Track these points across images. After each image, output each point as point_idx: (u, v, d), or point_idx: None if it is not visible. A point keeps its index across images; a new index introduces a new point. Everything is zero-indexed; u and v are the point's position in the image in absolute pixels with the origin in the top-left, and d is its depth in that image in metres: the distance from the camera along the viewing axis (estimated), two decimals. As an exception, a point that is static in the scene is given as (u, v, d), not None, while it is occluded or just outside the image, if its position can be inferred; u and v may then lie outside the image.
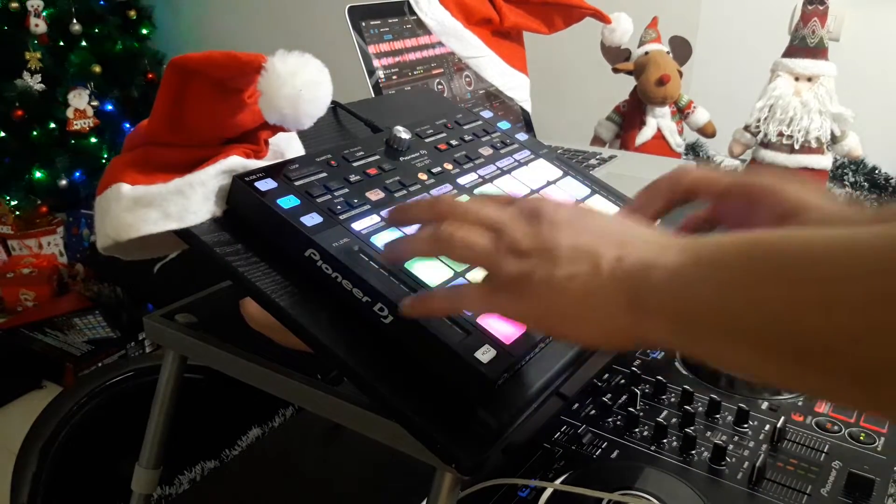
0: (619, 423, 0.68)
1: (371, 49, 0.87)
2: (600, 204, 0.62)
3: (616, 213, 0.54)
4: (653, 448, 0.64)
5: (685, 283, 0.34)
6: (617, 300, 0.36)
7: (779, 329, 0.31)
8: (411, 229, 0.49)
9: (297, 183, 0.50)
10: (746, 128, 1.21)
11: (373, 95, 0.85)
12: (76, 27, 2.48)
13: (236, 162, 0.49)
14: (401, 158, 0.57)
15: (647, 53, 1.28)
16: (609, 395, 0.71)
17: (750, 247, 0.33)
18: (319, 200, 0.49)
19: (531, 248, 0.38)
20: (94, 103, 2.50)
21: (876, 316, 0.28)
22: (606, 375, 0.75)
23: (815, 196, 0.49)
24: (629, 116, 1.33)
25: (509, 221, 0.40)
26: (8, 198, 2.49)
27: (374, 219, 0.49)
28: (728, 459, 0.62)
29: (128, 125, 2.59)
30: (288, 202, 0.48)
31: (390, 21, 0.91)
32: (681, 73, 1.27)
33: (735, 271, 0.33)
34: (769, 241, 0.33)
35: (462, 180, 0.58)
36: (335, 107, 0.65)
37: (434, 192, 0.55)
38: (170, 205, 0.46)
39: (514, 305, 0.39)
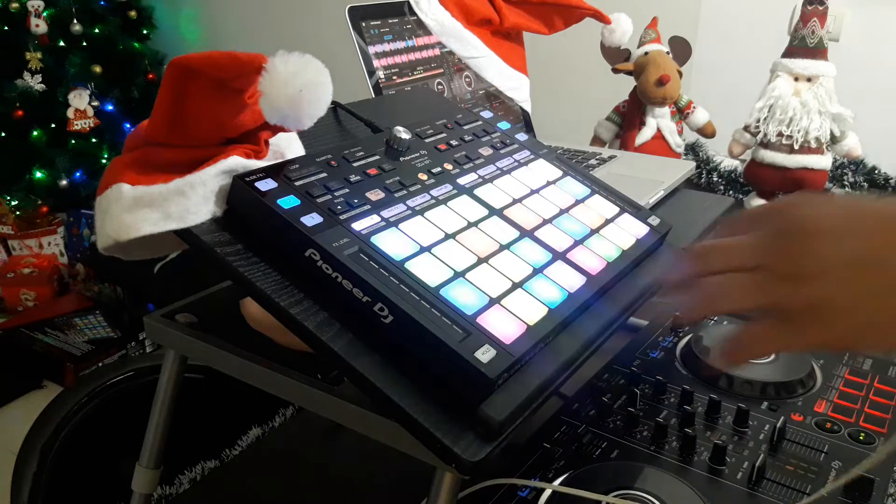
0: (619, 423, 0.68)
1: (371, 49, 0.87)
2: (600, 205, 0.62)
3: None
4: (653, 448, 0.64)
5: None
6: None
7: None
8: (420, 229, 0.48)
9: (297, 183, 0.50)
10: (746, 128, 1.21)
11: (373, 95, 0.85)
12: (76, 27, 2.48)
13: (237, 162, 0.49)
14: (401, 158, 0.57)
15: (646, 53, 1.28)
16: (609, 395, 0.71)
17: None
18: (320, 200, 0.49)
19: (809, 269, 0.35)
20: (95, 103, 2.50)
21: None
22: (606, 375, 0.75)
23: None
24: (629, 117, 1.33)
25: (765, 248, 0.36)
26: (8, 198, 2.49)
27: (374, 219, 0.49)
28: (728, 459, 0.62)
29: (128, 125, 2.59)
30: (288, 202, 0.48)
31: (390, 21, 0.91)
32: (680, 74, 1.27)
33: None
34: None
35: (462, 180, 0.58)
36: (335, 107, 0.65)
37: (434, 192, 0.55)
38: (170, 205, 0.46)
39: (816, 336, 0.36)
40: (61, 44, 2.51)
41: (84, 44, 2.53)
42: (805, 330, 0.36)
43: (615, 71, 1.32)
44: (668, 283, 0.43)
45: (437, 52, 0.97)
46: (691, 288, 0.39)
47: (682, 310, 0.41)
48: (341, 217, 0.48)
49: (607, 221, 0.60)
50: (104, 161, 2.52)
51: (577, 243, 0.55)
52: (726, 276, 0.37)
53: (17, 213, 2.53)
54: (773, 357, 0.75)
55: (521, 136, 0.68)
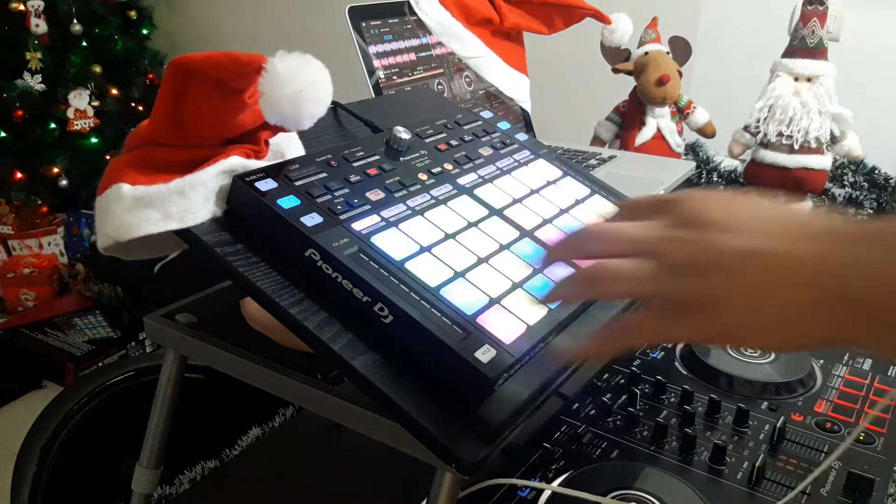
0: (619, 422, 0.68)
1: (371, 49, 0.87)
2: (600, 205, 0.62)
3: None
4: (653, 448, 0.64)
5: (874, 274, 0.31)
6: (820, 308, 0.33)
7: None
8: (420, 229, 0.48)
9: (297, 183, 0.50)
10: (746, 128, 1.21)
11: (373, 95, 0.86)
12: (76, 27, 2.48)
13: (237, 162, 0.50)
14: (401, 158, 0.57)
15: (646, 54, 1.28)
16: (609, 395, 0.71)
17: None
18: (320, 200, 0.49)
19: (694, 262, 0.35)
20: (95, 103, 2.50)
21: None
22: (606, 375, 0.75)
23: None
24: (629, 117, 1.33)
25: (656, 237, 0.36)
26: (8, 198, 2.49)
27: (374, 219, 0.49)
28: (728, 459, 0.62)
29: (128, 125, 2.59)
30: (288, 202, 0.48)
31: (390, 21, 0.91)
32: (680, 74, 1.27)
33: None
34: None
35: (462, 180, 0.58)
36: (335, 107, 0.65)
37: (434, 192, 0.55)
38: (170, 205, 0.46)
39: (698, 327, 0.35)
40: (61, 44, 2.51)
41: (84, 44, 2.53)
42: (687, 321, 0.35)
43: (615, 71, 1.32)
44: (551, 256, 0.42)
45: (437, 51, 0.97)
46: (576, 268, 0.39)
47: (562, 288, 0.40)
48: (341, 217, 0.48)
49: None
50: (104, 161, 2.52)
51: (577, 243, 0.55)
52: (616, 261, 0.37)
53: (18, 213, 2.53)
54: (772, 357, 0.75)
55: (521, 136, 0.68)
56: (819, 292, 0.33)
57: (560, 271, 0.50)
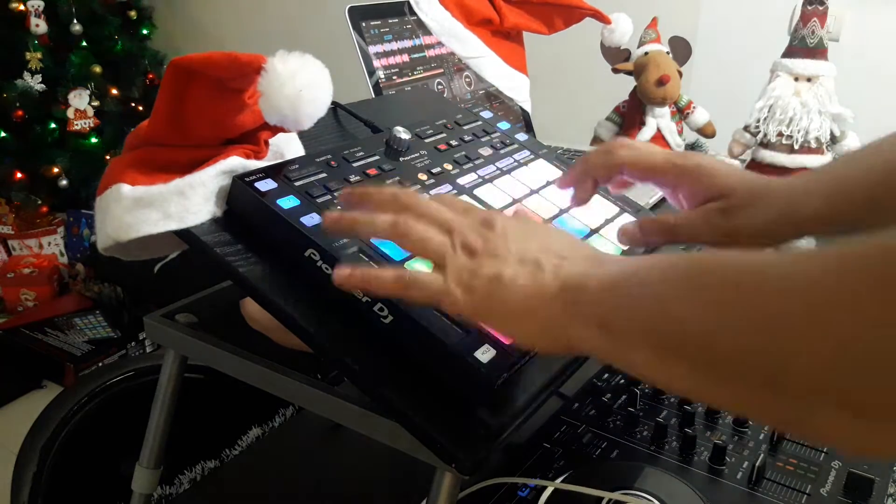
0: (618, 422, 0.68)
1: (371, 49, 0.87)
2: (600, 204, 0.62)
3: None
4: (653, 448, 0.64)
5: (615, 294, 0.36)
6: (554, 305, 0.38)
7: (697, 342, 0.32)
8: None
9: (297, 183, 0.50)
10: (746, 128, 1.21)
11: (373, 95, 0.86)
12: (76, 27, 2.48)
13: (236, 162, 0.50)
14: (401, 159, 0.57)
15: (646, 54, 1.27)
16: (609, 395, 0.71)
17: (687, 265, 0.35)
18: (319, 201, 0.49)
19: (482, 249, 0.40)
20: (95, 103, 2.50)
21: (781, 336, 0.29)
22: (606, 375, 0.75)
23: (739, 178, 0.53)
24: (629, 117, 1.32)
25: (464, 225, 0.41)
26: (8, 198, 2.49)
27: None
28: (728, 459, 0.62)
29: (128, 125, 2.59)
30: (288, 202, 0.48)
31: (390, 21, 0.91)
32: (680, 74, 1.27)
33: (661, 286, 0.35)
34: (707, 261, 0.35)
35: (462, 180, 0.58)
36: (335, 107, 0.65)
37: (434, 192, 0.55)
38: (170, 205, 0.47)
39: (461, 299, 0.40)
40: (61, 44, 2.50)
41: (84, 44, 2.53)
42: (457, 292, 0.40)
43: (615, 71, 1.32)
44: (360, 196, 0.45)
45: (437, 51, 0.97)
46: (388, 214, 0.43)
47: (358, 219, 0.43)
48: (341, 217, 0.48)
49: (607, 221, 0.60)
50: (104, 161, 2.52)
51: (576, 243, 0.55)
52: (424, 226, 0.41)
53: (18, 213, 2.53)
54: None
55: (521, 136, 0.68)
56: (554, 290, 0.38)
57: None
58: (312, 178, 0.51)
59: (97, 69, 2.51)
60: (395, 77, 0.90)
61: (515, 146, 0.66)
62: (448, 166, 0.59)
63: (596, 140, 1.37)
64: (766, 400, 0.30)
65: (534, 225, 0.44)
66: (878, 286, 0.26)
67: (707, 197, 0.53)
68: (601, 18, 1.06)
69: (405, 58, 0.92)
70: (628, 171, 0.56)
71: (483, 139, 0.65)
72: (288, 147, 0.55)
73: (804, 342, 0.28)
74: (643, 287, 0.36)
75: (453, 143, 0.62)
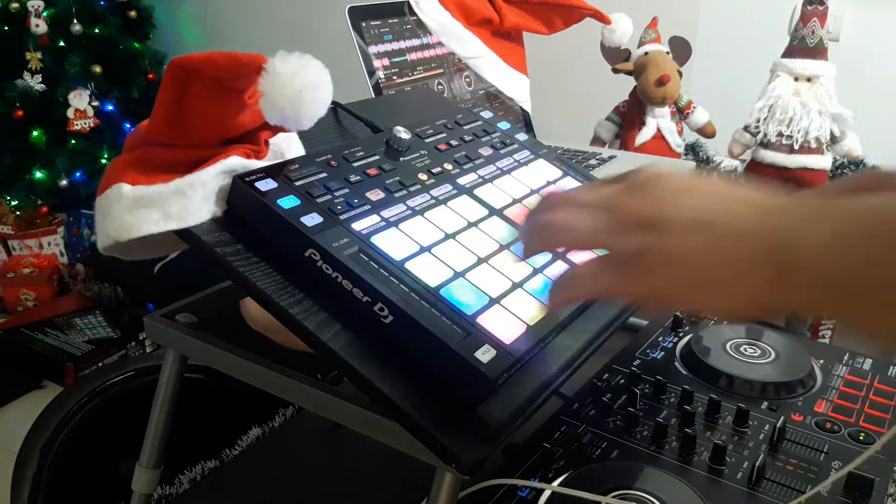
0: (618, 423, 0.68)
1: (371, 49, 0.87)
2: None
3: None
4: (653, 448, 0.64)
5: (838, 254, 0.33)
6: (758, 269, 0.34)
7: None
8: (420, 229, 0.49)
9: (297, 183, 0.50)
10: (746, 128, 1.21)
11: (373, 95, 0.86)
12: (76, 27, 2.48)
13: (236, 162, 0.50)
14: (401, 159, 0.57)
15: (646, 54, 1.28)
16: (609, 395, 0.71)
17: None
18: (320, 200, 0.49)
19: (645, 221, 0.36)
20: (95, 103, 2.50)
21: None
22: (606, 375, 0.75)
23: None
24: (629, 117, 1.33)
25: (617, 198, 0.38)
26: (8, 198, 2.49)
27: (374, 219, 0.49)
28: (728, 459, 0.62)
29: (128, 125, 2.59)
30: (288, 202, 0.48)
31: (390, 21, 0.91)
32: (680, 74, 1.27)
33: (887, 227, 0.32)
34: None
35: (462, 180, 0.58)
36: (335, 107, 0.65)
37: (434, 192, 0.55)
38: (170, 205, 0.47)
39: (638, 283, 0.37)
40: (61, 44, 2.51)
41: (84, 44, 2.53)
42: (629, 277, 0.37)
43: (615, 71, 1.32)
44: (525, 238, 0.43)
45: (437, 51, 0.97)
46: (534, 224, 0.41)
47: (521, 240, 0.42)
48: (341, 217, 0.48)
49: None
50: (104, 161, 2.52)
51: (577, 243, 0.55)
52: (568, 212, 0.39)
53: (17, 213, 2.53)
54: (773, 357, 0.75)
55: (521, 136, 0.68)
56: (753, 255, 0.34)
57: (560, 269, 0.50)
58: (313, 178, 0.51)
59: (97, 69, 2.51)
60: (395, 77, 0.90)
61: (515, 146, 0.66)
62: (448, 166, 0.59)
63: (596, 140, 1.37)
64: None
65: (686, 175, 0.39)
66: None
67: None
68: (601, 18, 1.06)
69: (405, 58, 0.92)
70: None
71: (483, 139, 0.65)
72: (288, 147, 0.55)
73: None
74: (871, 239, 0.32)
75: (453, 142, 0.62)
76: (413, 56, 0.93)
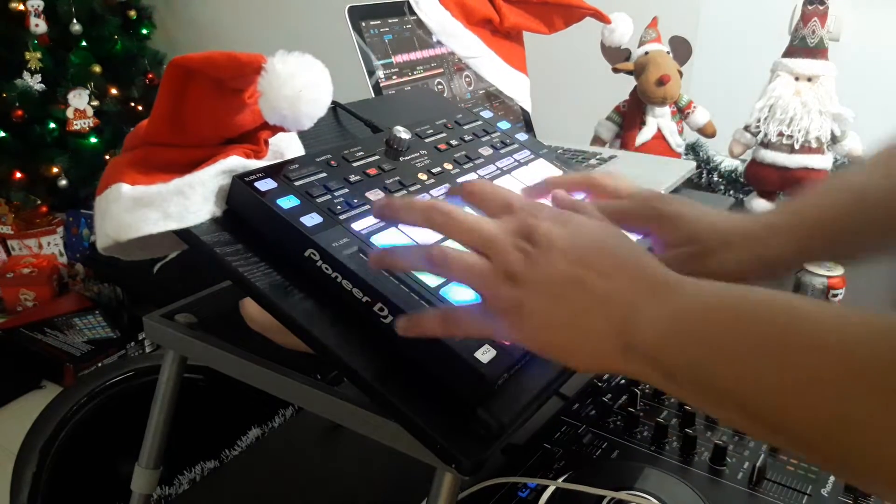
0: (619, 423, 0.68)
1: (371, 49, 0.87)
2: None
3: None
4: (653, 448, 0.64)
5: (668, 342, 0.36)
6: (608, 340, 0.37)
7: (756, 401, 0.32)
8: (420, 229, 0.49)
9: (297, 183, 0.50)
10: (746, 128, 1.21)
11: (373, 95, 0.85)
12: (76, 27, 2.48)
13: (236, 162, 0.49)
14: (401, 158, 0.57)
15: (646, 53, 1.28)
16: (609, 395, 0.71)
17: (735, 315, 0.34)
18: (319, 200, 0.49)
19: (525, 277, 0.39)
20: (95, 103, 2.50)
21: (847, 407, 0.28)
22: (606, 375, 0.75)
23: (709, 224, 0.53)
24: (629, 116, 1.32)
25: (503, 243, 0.40)
26: (8, 198, 2.49)
27: (374, 219, 0.49)
28: (728, 460, 0.62)
29: (128, 125, 2.59)
30: (288, 202, 0.48)
31: (390, 21, 0.91)
32: (681, 73, 1.27)
33: (717, 340, 0.34)
34: (762, 316, 0.34)
35: (462, 180, 0.58)
36: (335, 107, 0.65)
37: (434, 192, 0.55)
38: (170, 205, 0.46)
39: (508, 332, 0.40)
40: (61, 44, 2.50)
41: (84, 44, 2.53)
42: (504, 325, 0.40)
43: (615, 71, 1.32)
44: (392, 210, 0.44)
45: (437, 51, 0.97)
46: (419, 245, 0.43)
47: (396, 254, 0.43)
48: (341, 217, 0.48)
49: None
50: (104, 161, 2.52)
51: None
52: (460, 253, 0.41)
53: (17, 213, 2.53)
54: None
55: (521, 136, 0.68)
56: (604, 325, 0.37)
57: None
58: (312, 178, 0.51)
59: (97, 69, 2.51)
60: (395, 77, 0.90)
61: (515, 146, 0.66)
62: (448, 166, 0.58)
63: (596, 140, 1.37)
64: (834, 466, 0.31)
65: (581, 227, 0.41)
66: None
67: (678, 243, 0.53)
68: (601, 18, 1.06)
69: (405, 58, 0.92)
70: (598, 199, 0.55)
71: (483, 139, 0.65)
72: (288, 147, 0.55)
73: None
74: (698, 337, 0.35)
75: (453, 142, 0.62)
76: (413, 56, 0.93)
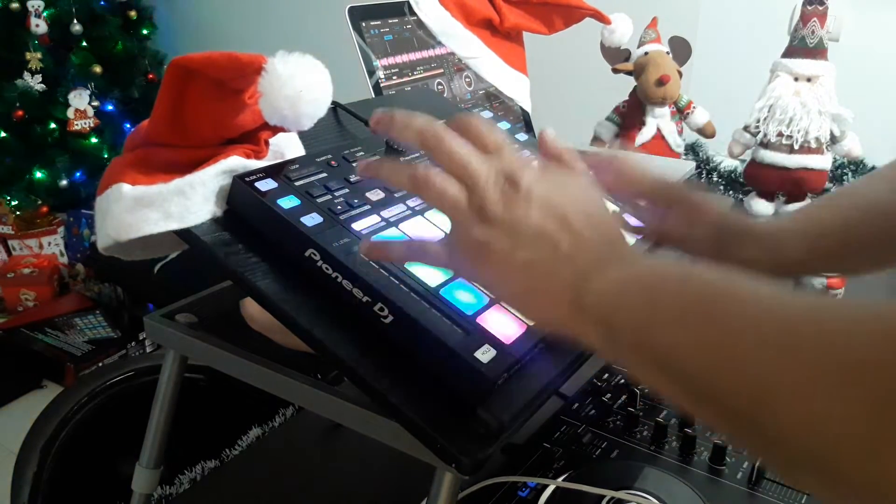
0: (618, 422, 0.68)
1: (371, 49, 0.87)
2: None
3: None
4: (652, 448, 0.65)
5: (617, 302, 0.36)
6: (562, 295, 0.38)
7: (686, 367, 0.32)
8: (420, 229, 0.49)
9: (297, 183, 0.50)
10: (746, 128, 1.21)
11: (373, 95, 0.85)
12: (77, 27, 2.48)
13: (237, 162, 0.50)
14: (401, 159, 0.57)
15: (646, 54, 1.28)
16: (609, 395, 0.71)
17: (681, 285, 0.35)
18: (320, 201, 0.49)
19: (499, 218, 0.39)
20: (95, 103, 2.50)
21: (777, 380, 0.28)
22: (606, 375, 0.75)
23: (723, 214, 0.55)
24: (629, 117, 1.33)
25: (486, 180, 0.40)
26: (8, 198, 2.49)
27: (374, 219, 0.49)
28: (728, 459, 0.62)
29: (128, 125, 2.59)
30: (288, 202, 0.48)
31: (390, 21, 0.91)
32: (680, 74, 1.27)
33: (658, 305, 0.35)
34: (704, 286, 0.34)
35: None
36: (335, 107, 0.65)
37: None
38: (170, 205, 0.46)
39: (470, 269, 0.41)
40: (61, 44, 2.51)
41: (84, 44, 2.53)
42: (467, 262, 0.41)
43: (615, 71, 1.32)
44: (387, 125, 0.45)
45: (437, 51, 0.97)
46: (402, 163, 0.43)
47: (388, 171, 0.44)
48: (341, 217, 0.48)
49: None
50: (104, 161, 2.52)
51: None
52: (443, 179, 0.41)
53: (17, 212, 2.53)
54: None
55: (522, 136, 0.68)
56: (561, 282, 0.38)
57: None
58: (313, 178, 0.51)
59: (97, 69, 2.51)
60: (395, 77, 0.90)
61: (515, 146, 0.66)
62: (448, 166, 0.58)
63: (596, 140, 1.37)
64: (754, 441, 0.31)
65: (564, 184, 0.42)
66: None
67: (698, 230, 0.54)
68: (601, 18, 1.06)
69: (405, 58, 0.92)
70: (625, 183, 0.56)
71: (483, 139, 0.65)
72: (288, 147, 0.55)
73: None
74: (646, 302, 0.35)
75: (453, 143, 0.62)
76: (413, 56, 0.93)
